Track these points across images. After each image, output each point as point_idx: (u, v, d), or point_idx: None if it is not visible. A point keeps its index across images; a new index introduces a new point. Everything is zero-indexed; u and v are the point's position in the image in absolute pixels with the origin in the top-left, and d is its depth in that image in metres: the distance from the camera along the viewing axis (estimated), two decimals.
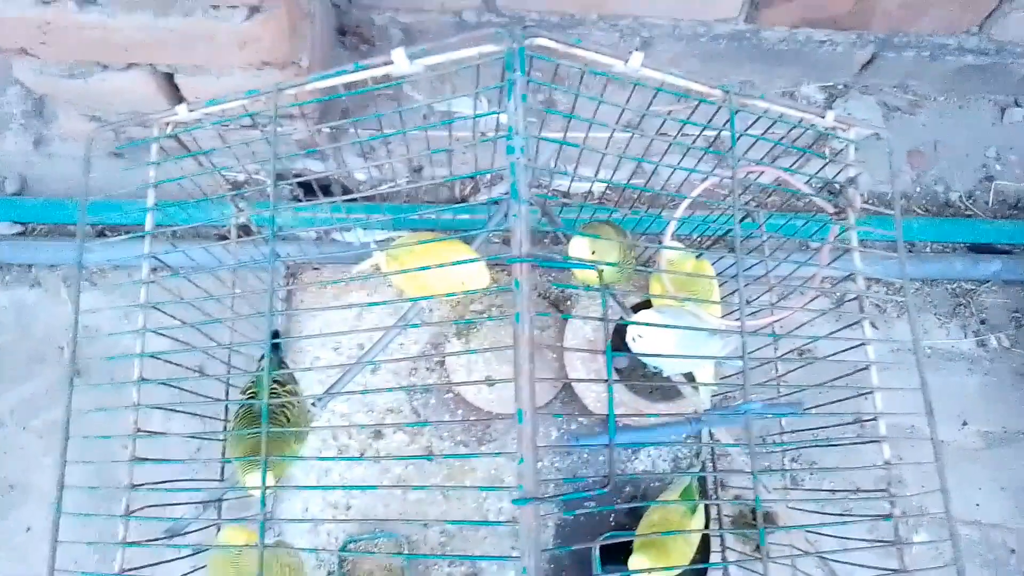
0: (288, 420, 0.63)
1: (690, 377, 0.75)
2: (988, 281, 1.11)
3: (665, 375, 0.72)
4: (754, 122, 0.61)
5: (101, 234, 1.06)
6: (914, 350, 0.66)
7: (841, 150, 0.68)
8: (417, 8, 0.95)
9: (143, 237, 0.66)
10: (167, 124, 0.61)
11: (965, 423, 1.08)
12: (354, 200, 0.98)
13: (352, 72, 0.50)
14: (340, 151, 1.02)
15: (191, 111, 0.58)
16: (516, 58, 0.45)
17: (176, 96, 0.89)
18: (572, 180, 0.94)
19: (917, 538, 1.04)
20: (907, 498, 1.05)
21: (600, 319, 0.45)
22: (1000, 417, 1.08)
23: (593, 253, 0.66)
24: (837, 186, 0.67)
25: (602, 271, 0.62)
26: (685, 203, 0.66)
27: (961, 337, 1.10)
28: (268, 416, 0.60)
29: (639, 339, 0.62)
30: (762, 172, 0.65)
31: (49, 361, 1.03)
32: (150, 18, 0.74)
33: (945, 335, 1.10)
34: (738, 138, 0.60)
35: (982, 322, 1.11)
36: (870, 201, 1.12)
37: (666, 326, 0.61)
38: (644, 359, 0.66)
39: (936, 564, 1.00)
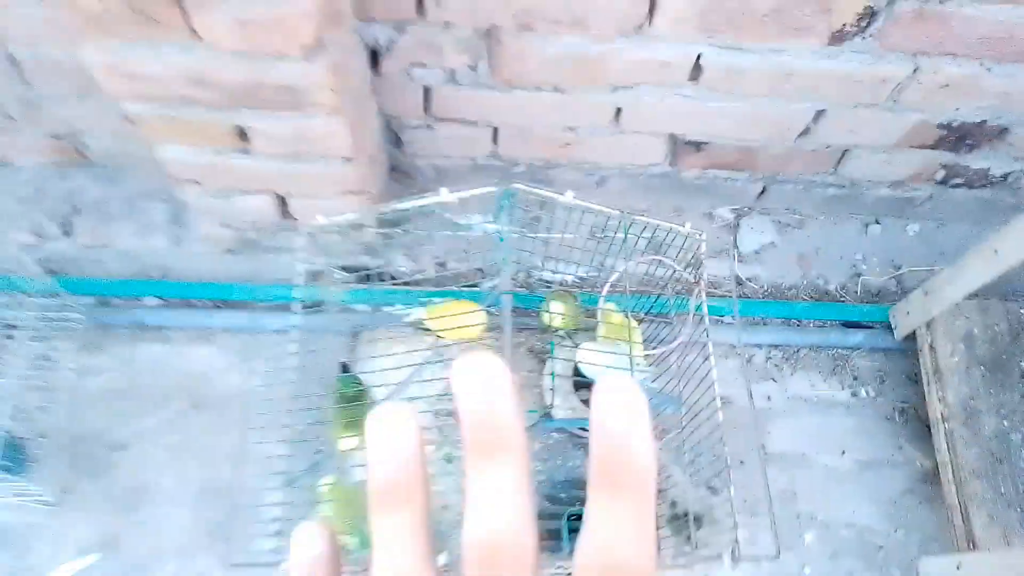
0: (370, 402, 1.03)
1: None
2: (858, 348, 1.51)
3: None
4: (643, 230, 1.03)
5: (216, 307, 1.48)
6: (745, 385, 1.06)
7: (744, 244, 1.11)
8: (446, 156, 1.41)
9: (256, 307, 1.08)
10: (311, 226, 1.04)
11: (844, 452, 1.45)
12: (396, 284, 1.41)
13: (419, 199, 0.93)
14: (390, 251, 1.46)
15: (325, 219, 1.02)
16: (504, 195, 0.88)
17: (285, 212, 1.33)
18: (543, 269, 1.36)
19: (808, 537, 1.39)
20: (797, 506, 1.41)
21: (544, 331, 0.86)
22: (870, 448, 1.45)
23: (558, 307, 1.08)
24: (694, 272, 1.08)
25: (561, 313, 1.03)
26: (609, 280, 1.08)
27: (839, 389, 1.49)
28: (355, 398, 1.01)
29: (584, 357, 1.02)
30: (655, 261, 1.07)
31: (174, 398, 1.43)
32: (283, 164, 1.19)
33: (828, 388, 1.49)
34: (636, 241, 1.02)
35: (855, 378, 1.50)
36: (768, 289, 1.54)
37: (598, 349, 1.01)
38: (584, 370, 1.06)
39: (824, 554, 1.36)
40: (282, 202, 1.31)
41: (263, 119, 1.08)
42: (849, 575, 1.37)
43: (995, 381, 1.36)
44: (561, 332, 1.17)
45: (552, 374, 1.07)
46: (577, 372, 1.14)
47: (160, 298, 1.48)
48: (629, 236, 1.00)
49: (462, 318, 1.04)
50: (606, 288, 1.07)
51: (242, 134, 1.13)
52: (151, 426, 1.41)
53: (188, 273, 1.49)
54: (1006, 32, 1.11)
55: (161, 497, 1.36)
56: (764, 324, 1.52)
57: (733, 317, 1.06)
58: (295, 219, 1.35)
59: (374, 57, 1.19)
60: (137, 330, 1.46)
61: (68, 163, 1.51)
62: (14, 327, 1.28)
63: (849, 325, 1.52)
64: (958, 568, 1.24)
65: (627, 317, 1.09)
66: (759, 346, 1.51)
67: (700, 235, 1.03)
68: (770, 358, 1.51)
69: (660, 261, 1.07)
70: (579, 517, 1.16)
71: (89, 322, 1.42)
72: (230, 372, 1.45)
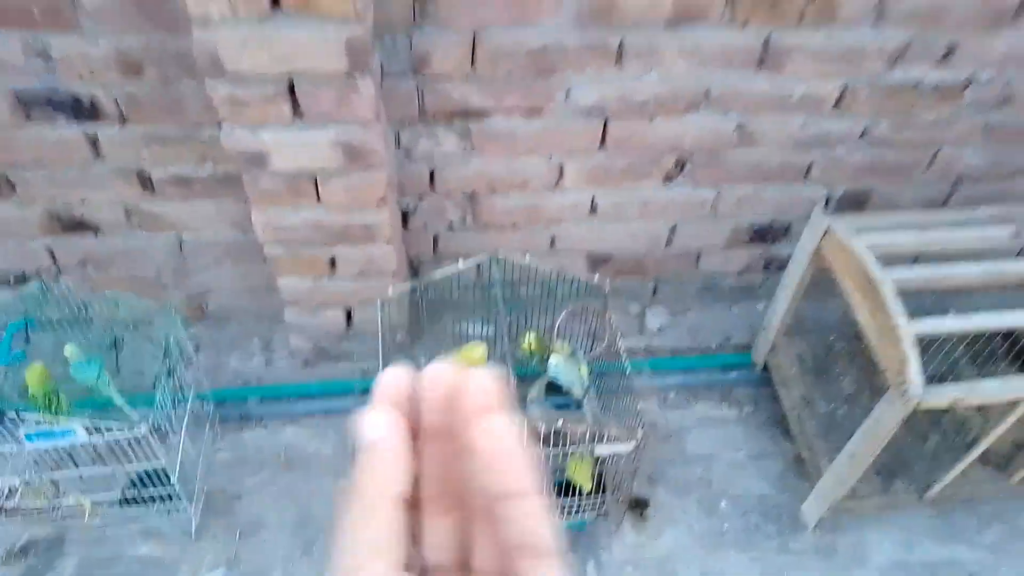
0: None
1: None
2: (736, 382, 2.22)
3: (562, 382, 1.79)
4: (563, 293, 1.79)
5: (299, 399, 2.13)
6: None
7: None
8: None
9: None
10: (386, 298, 1.77)
11: (739, 450, 2.10)
12: None
13: (445, 269, 1.68)
14: (418, 354, 2.16)
15: (392, 291, 1.75)
16: (492, 260, 1.64)
17: (350, 323, 2.06)
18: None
19: (723, 504, 1.99)
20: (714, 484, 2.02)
21: (524, 355, 1.58)
22: (757, 446, 2.11)
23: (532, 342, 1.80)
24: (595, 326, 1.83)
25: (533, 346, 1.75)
26: (557, 321, 1.81)
27: (729, 410, 2.18)
28: None
29: (553, 363, 1.72)
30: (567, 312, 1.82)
31: (272, 462, 2.03)
32: (353, 282, 1.94)
33: (721, 410, 2.17)
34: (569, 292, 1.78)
35: (738, 402, 2.19)
36: (671, 351, 2.27)
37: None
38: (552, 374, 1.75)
39: (737, 514, 1.96)
40: (348, 315, 2.05)
41: (347, 249, 1.86)
42: (757, 526, 1.96)
43: (820, 381, 2.07)
44: (535, 356, 1.87)
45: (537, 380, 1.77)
46: (548, 382, 1.82)
47: (259, 398, 2.13)
48: (563, 287, 1.76)
49: (470, 350, 1.74)
50: (556, 324, 1.80)
51: (332, 262, 1.89)
52: (258, 481, 1.99)
53: (277, 380, 2.16)
54: (760, 165, 1.99)
55: (268, 528, 1.92)
56: (672, 373, 2.23)
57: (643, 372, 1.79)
58: (355, 329, 2.08)
59: (405, 217, 2.01)
60: (245, 420, 2.09)
61: (192, 318, 2.23)
62: (176, 422, 1.91)
63: (727, 368, 2.24)
64: (815, 496, 1.86)
65: (569, 344, 1.82)
66: (672, 387, 2.21)
67: (604, 282, 1.78)
68: (679, 394, 2.20)
69: (585, 307, 1.82)
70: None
71: (214, 416, 2.05)
72: (310, 442, 2.07)
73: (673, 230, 2.15)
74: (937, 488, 1.85)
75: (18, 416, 1.45)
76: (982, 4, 1.71)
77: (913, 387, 1.49)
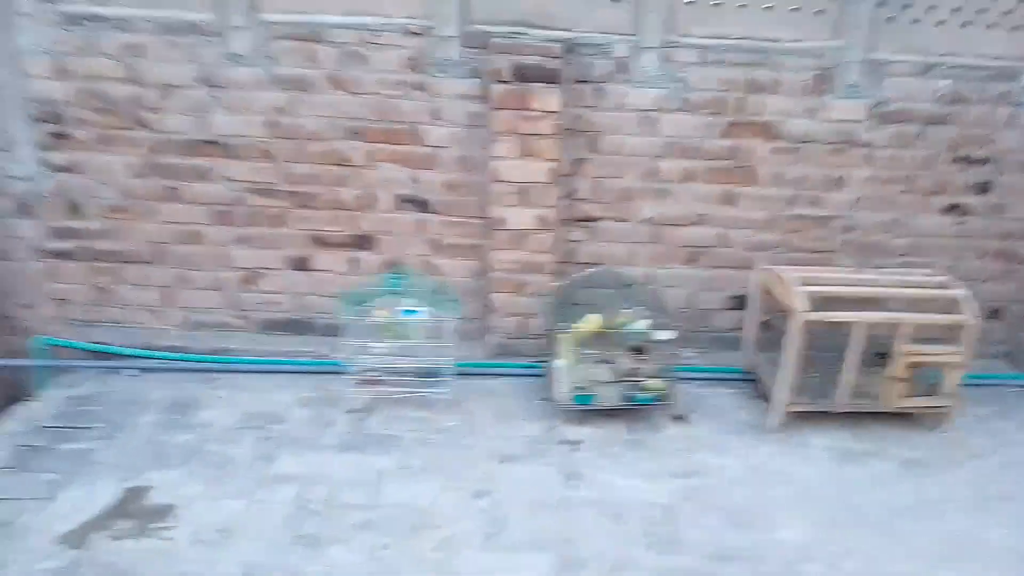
0: None
1: None
2: (734, 380, 3.91)
3: (639, 339, 3.56)
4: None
5: None
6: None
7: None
8: None
9: None
10: (553, 288, 3.66)
11: (736, 406, 3.73)
12: None
13: (577, 274, 3.61)
14: None
15: (554, 285, 3.65)
16: (605, 270, 3.57)
17: (522, 326, 3.92)
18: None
19: (728, 421, 3.57)
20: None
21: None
22: (744, 404, 3.74)
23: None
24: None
25: (625, 319, 3.60)
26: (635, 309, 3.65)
27: (730, 390, 3.84)
28: None
29: (635, 328, 3.52)
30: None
31: (476, 390, 3.73)
32: (531, 299, 3.86)
33: (726, 390, 3.84)
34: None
35: (736, 387, 3.86)
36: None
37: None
38: None
39: None
40: (522, 321, 3.91)
41: (531, 277, 3.81)
42: (745, 431, 3.52)
43: (776, 368, 3.79)
44: (626, 324, 3.64)
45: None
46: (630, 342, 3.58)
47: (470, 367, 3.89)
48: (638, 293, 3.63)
49: (590, 321, 3.56)
50: (634, 310, 3.65)
51: (521, 285, 3.83)
52: (471, 392, 3.68)
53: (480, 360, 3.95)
54: (732, 258, 3.97)
55: (474, 414, 3.58)
56: (699, 374, 3.93)
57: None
58: (528, 330, 3.91)
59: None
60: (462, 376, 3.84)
61: None
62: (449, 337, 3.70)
63: (729, 373, 3.94)
64: (772, 408, 3.49)
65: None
66: (699, 381, 3.90)
67: (659, 289, 3.65)
68: (703, 384, 3.89)
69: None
70: None
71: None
72: (495, 385, 3.78)
73: (693, 296, 4.06)
74: (839, 400, 3.47)
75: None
76: (822, 177, 3.84)
77: (802, 311, 3.30)
